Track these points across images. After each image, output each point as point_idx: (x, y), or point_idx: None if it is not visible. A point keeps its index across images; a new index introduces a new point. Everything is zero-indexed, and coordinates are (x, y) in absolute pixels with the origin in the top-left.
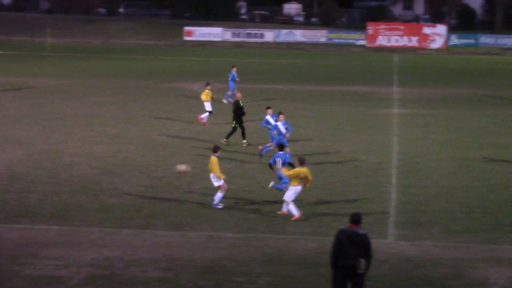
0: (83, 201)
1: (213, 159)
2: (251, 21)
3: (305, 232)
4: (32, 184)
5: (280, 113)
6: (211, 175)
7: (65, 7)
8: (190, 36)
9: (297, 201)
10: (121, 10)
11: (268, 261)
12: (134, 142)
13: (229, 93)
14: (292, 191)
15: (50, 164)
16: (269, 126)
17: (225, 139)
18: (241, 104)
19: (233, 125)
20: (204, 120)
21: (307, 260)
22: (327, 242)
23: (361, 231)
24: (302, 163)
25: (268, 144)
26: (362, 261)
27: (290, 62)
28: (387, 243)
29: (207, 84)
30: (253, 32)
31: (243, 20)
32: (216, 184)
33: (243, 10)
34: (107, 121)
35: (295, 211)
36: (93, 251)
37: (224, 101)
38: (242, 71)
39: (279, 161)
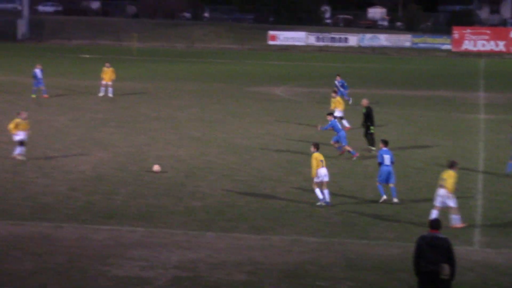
0: (168, 203)
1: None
2: (335, 25)
3: (388, 237)
4: (118, 186)
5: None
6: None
7: (151, 11)
8: (274, 41)
9: (379, 205)
10: (205, 14)
11: (350, 266)
12: (217, 145)
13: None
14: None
15: (135, 167)
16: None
17: (372, 148)
18: (363, 111)
19: (371, 131)
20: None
21: (389, 265)
22: (410, 248)
23: (442, 236)
24: (452, 166)
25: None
26: (445, 266)
27: (374, 67)
28: (472, 250)
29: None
30: (337, 36)
31: (327, 24)
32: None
33: (327, 15)
34: (190, 124)
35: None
36: (178, 253)
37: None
38: (325, 76)
39: (388, 158)
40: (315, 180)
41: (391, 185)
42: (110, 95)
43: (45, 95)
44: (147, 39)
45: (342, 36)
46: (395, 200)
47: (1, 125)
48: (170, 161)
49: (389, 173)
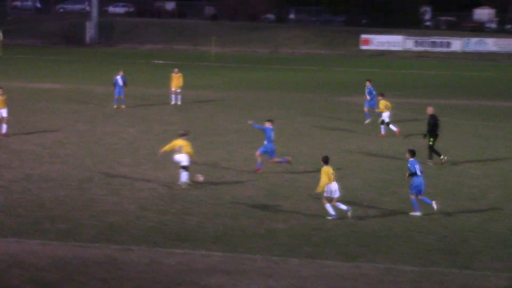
0: (247, 225)
1: None
2: (436, 28)
3: (495, 267)
4: (193, 205)
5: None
6: None
7: (231, 13)
8: (367, 45)
9: (485, 231)
10: (291, 16)
11: None
12: (303, 161)
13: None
14: None
15: (212, 184)
16: None
17: (442, 157)
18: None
19: (431, 142)
20: (395, 129)
21: None
22: None
23: None
24: None
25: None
26: None
27: (480, 75)
28: None
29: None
30: (438, 40)
31: (427, 27)
32: None
33: (427, 16)
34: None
35: None
36: (258, 281)
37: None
38: (425, 85)
39: (418, 167)
40: (324, 194)
41: (421, 196)
42: (179, 102)
43: (122, 106)
44: (226, 43)
45: (444, 40)
46: (435, 206)
47: (71, 136)
48: (250, 178)
49: (421, 184)
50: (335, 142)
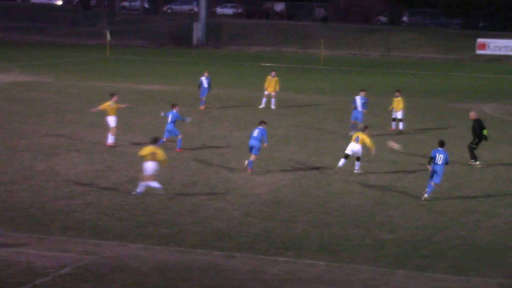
0: (354, 234)
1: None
2: None
3: None
4: (299, 212)
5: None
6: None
7: (342, 15)
8: (483, 49)
9: None
10: (404, 19)
11: None
12: (414, 169)
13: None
14: None
15: (319, 191)
16: None
17: (476, 162)
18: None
19: (474, 146)
20: None
21: None
22: None
23: None
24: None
25: None
26: None
27: None
28: None
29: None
30: None
31: None
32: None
33: None
34: (383, 145)
35: None
36: None
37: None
38: None
39: (440, 157)
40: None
41: (433, 183)
42: (273, 107)
43: (201, 107)
44: (336, 46)
45: None
46: (425, 196)
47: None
48: (358, 186)
49: (435, 172)
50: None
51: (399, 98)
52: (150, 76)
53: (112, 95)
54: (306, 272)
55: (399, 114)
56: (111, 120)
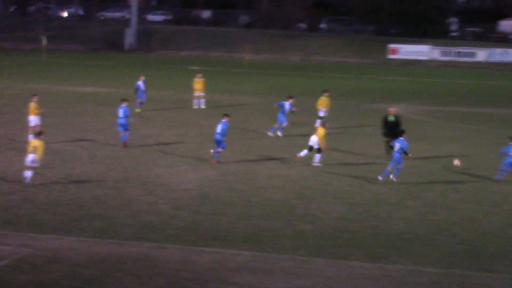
0: (276, 226)
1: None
2: (462, 39)
3: None
4: (224, 206)
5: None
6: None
7: (264, 22)
8: (394, 54)
9: (506, 235)
10: (322, 25)
11: None
12: (331, 166)
13: (276, 125)
14: None
15: (244, 186)
16: None
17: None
18: (390, 119)
19: (384, 140)
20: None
21: None
22: None
23: None
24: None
25: None
26: None
27: (504, 85)
28: None
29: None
30: (464, 50)
31: (454, 37)
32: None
33: (454, 27)
34: (304, 142)
35: None
36: (284, 280)
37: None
38: (451, 93)
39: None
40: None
41: (389, 167)
42: (202, 106)
43: (137, 109)
44: (260, 51)
45: (470, 50)
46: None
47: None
48: (280, 181)
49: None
50: (363, 147)
51: (327, 98)
52: (84, 78)
53: (33, 95)
54: (232, 261)
55: (322, 112)
56: (32, 119)
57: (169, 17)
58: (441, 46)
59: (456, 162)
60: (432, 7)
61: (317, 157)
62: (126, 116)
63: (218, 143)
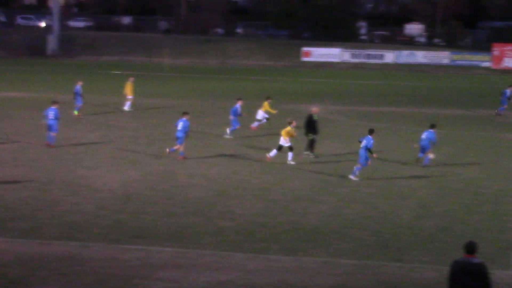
0: (197, 223)
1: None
2: (371, 41)
3: (423, 260)
4: (147, 205)
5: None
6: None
7: (183, 27)
8: (308, 57)
9: (414, 227)
10: (238, 30)
11: None
12: (249, 164)
13: (232, 127)
14: None
15: (165, 185)
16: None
17: (310, 154)
18: (315, 118)
19: (310, 137)
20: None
21: None
22: (446, 271)
23: (476, 260)
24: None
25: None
26: None
27: (411, 85)
28: (511, 275)
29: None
30: (373, 53)
31: (363, 40)
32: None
33: (363, 31)
34: (223, 142)
35: None
36: (206, 275)
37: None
38: (361, 93)
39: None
40: None
41: (359, 164)
42: (126, 108)
43: (76, 113)
44: (179, 55)
45: (378, 52)
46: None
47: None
48: (201, 179)
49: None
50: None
51: (268, 103)
52: (7, 84)
53: None
54: (155, 258)
55: (260, 115)
56: None
57: (90, 23)
58: (351, 49)
59: (431, 156)
60: (342, 12)
61: (290, 155)
62: (56, 118)
63: (179, 140)
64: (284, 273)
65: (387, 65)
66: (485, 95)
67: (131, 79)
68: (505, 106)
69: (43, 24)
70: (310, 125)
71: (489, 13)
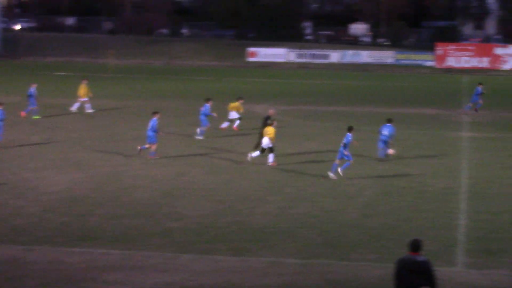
0: (144, 224)
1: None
2: (316, 41)
3: (370, 258)
4: (93, 207)
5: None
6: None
7: (128, 28)
8: (254, 57)
9: (360, 226)
10: (184, 31)
11: None
12: (195, 165)
13: (202, 128)
14: None
15: (111, 187)
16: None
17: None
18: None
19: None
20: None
21: None
22: (392, 269)
23: (420, 258)
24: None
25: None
26: None
27: (356, 84)
28: (455, 272)
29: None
30: (318, 53)
31: (308, 40)
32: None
33: (308, 31)
34: (169, 143)
35: None
36: (153, 276)
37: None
38: (307, 93)
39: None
40: None
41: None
42: (74, 109)
43: (24, 113)
44: (124, 56)
45: (323, 52)
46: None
47: None
48: (147, 181)
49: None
50: (226, 146)
51: (238, 103)
52: None
53: None
54: (101, 261)
55: (232, 115)
56: None
57: (34, 24)
58: (296, 49)
59: (391, 151)
60: (288, 12)
61: (271, 156)
62: (1, 120)
63: (149, 138)
64: (231, 274)
65: (332, 64)
66: (429, 94)
67: (84, 81)
68: (480, 103)
69: None
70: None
71: (432, 13)
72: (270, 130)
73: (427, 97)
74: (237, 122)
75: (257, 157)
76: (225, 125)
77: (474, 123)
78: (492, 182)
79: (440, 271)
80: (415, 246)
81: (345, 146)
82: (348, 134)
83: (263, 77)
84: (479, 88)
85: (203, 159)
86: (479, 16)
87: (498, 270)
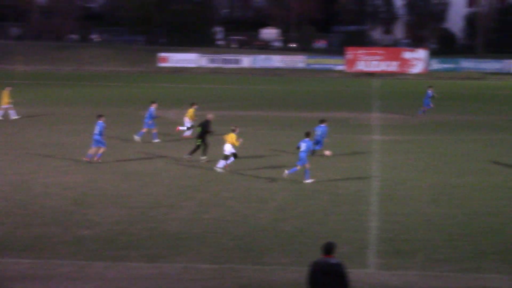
0: (54, 233)
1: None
2: (228, 46)
3: (283, 262)
4: (2, 215)
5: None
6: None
7: (36, 33)
8: (165, 63)
9: (273, 230)
10: (93, 36)
11: None
12: (107, 172)
13: (144, 130)
14: None
15: (20, 195)
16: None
17: (189, 155)
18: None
19: (198, 143)
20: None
21: None
22: (306, 272)
23: (334, 261)
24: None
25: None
26: None
27: (267, 88)
28: (367, 273)
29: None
30: (230, 58)
31: (220, 45)
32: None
33: (220, 36)
34: (80, 150)
35: None
36: (65, 285)
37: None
38: (218, 98)
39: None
40: None
41: (298, 166)
42: (14, 117)
43: None
44: (32, 62)
45: (235, 57)
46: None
47: None
48: (57, 188)
49: (300, 157)
50: (136, 151)
51: (194, 110)
52: None
53: None
54: (11, 270)
55: (188, 123)
56: None
57: None
58: (208, 54)
59: (327, 152)
60: (199, 18)
61: (221, 162)
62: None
63: (98, 143)
64: (144, 281)
65: (243, 69)
66: (339, 98)
67: (8, 88)
68: (431, 105)
69: None
70: (208, 131)
71: (342, 18)
72: (231, 137)
73: (337, 101)
74: (184, 129)
75: (231, 163)
76: (187, 133)
77: (384, 126)
78: (403, 184)
79: (353, 273)
80: (328, 248)
81: (307, 150)
82: (306, 139)
83: (175, 82)
84: (429, 91)
85: (116, 166)
86: (388, 21)
87: (409, 271)
